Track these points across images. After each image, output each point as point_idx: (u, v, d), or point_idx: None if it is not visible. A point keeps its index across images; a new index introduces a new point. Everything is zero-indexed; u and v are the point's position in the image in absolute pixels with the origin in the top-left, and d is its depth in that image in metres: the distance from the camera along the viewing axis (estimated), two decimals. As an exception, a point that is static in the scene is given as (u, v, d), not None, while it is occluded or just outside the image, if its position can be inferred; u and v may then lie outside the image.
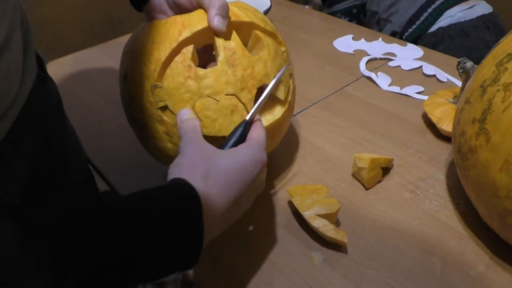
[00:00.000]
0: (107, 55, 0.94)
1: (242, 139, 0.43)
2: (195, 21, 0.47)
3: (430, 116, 0.67)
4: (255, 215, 0.54)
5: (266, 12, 0.92)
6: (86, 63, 0.92)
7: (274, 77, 0.48)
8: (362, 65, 0.87)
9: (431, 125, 0.69)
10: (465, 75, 0.63)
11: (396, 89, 0.80)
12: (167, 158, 0.50)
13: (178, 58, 0.46)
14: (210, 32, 0.47)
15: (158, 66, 0.46)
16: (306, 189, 0.54)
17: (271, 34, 0.53)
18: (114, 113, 0.75)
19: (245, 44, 0.49)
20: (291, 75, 0.56)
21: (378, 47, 0.95)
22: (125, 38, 0.54)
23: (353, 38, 0.99)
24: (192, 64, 0.46)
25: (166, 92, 0.46)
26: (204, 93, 0.46)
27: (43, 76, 0.50)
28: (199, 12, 0.48)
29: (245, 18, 0.50)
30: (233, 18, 0.49)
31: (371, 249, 0.50)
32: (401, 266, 0.48)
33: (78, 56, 0.95)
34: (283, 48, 0.55)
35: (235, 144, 0.42)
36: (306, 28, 1.05)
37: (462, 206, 0.55)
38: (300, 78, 0.84)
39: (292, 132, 0.69)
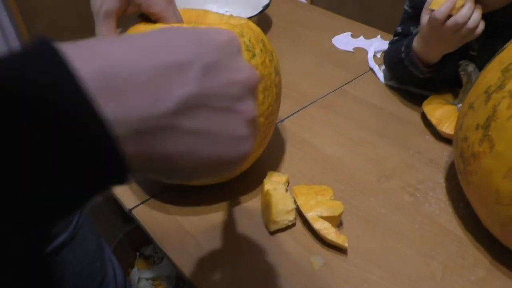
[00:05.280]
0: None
1: None
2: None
3: (429, 118, 0.67)
4: (253, 214, 0.54)
5: (265, 8, 0.90)
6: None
7: None
8: (371, 53, 0.89)
9: (430, 126, 0.68)
10: (466, 77, 0.63)
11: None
12: None
13: None
14: None
15: None
16: (312, 190, 0.54)
17: None
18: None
19: None
20: None
21: (377, 44, 0.94)
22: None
23: (352, 36, 0.98)
24: None
25: None
26: None
27: None
28: None
29: None
30: None
31: (372, 253, 0.50)
32: (402, 270, 0.48)
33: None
34: None
35: None
36: (306, 24, 1.03)
37: (462, 209, 0.55)
38: (298, 75, 0.83)
39: (290, 131, 0.68)
